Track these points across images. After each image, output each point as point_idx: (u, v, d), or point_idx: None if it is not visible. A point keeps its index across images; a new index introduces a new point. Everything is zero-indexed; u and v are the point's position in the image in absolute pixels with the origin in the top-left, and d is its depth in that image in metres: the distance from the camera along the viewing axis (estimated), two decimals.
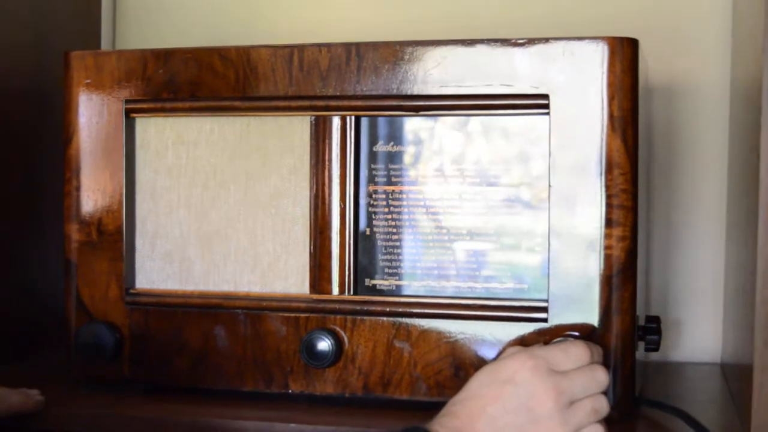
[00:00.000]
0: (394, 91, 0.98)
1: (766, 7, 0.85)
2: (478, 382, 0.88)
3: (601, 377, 0.88)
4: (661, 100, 1.28)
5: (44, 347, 1.23)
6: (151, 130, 1.05)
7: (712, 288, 1.28)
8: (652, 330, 1.04)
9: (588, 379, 0.87)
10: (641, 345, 1.04)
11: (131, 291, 1.05)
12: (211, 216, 1.04)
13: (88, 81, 1.05)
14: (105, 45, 1.39)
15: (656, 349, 1.04)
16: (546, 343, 0.94)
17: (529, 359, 0.87)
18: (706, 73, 1.27)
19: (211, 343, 1.03)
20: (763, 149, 0.86)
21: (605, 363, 0.93)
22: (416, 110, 0.98)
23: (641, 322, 1.04)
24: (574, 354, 0.89)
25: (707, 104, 1.27)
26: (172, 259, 1.05)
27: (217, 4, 1.41)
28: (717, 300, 1.27)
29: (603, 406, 0.88)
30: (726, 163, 1.26)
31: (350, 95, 0.99)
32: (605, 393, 0.89)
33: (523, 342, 0.96)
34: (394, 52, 0.98)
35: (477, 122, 0.98)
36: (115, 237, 1.05)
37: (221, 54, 1.02)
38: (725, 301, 1.24)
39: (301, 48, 1.00)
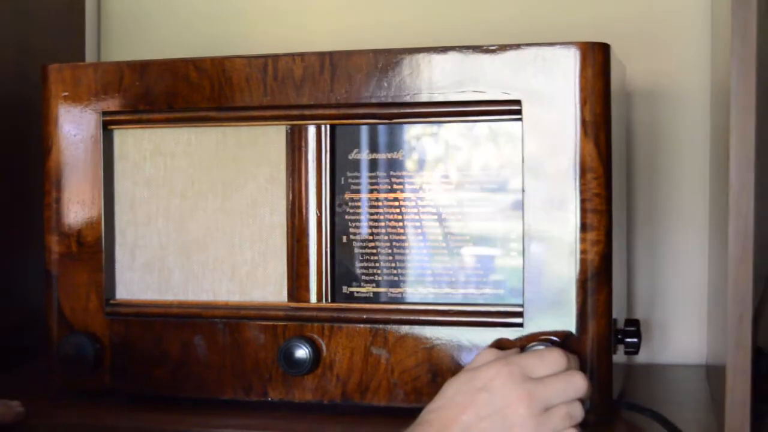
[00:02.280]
0: (368, 100, 0.99)
1: (732, 9, 0.85)
2: (452, 390, 0.88)
3: (578, 383, 0.88)
4: (643, 104, 1.29)
5: (33, 357, 1.23)
6: (129, 141, 1.06)
7: (696, 290, 1.28)
8: (631, 333, 1.03)
9: (564, 385, 0.87)
10: (621, 348, 1.04)
11: (111, 302, 1.06)
12: (189, 226, 1.05)
13: (66, 93, 1.05)
14: (90, 58, 1.40)
15: (636, 352, 1.04)
16: (522, 348, 0.94)
17: (504, 366, 0.87)
18: (687, 77, 1.27)
19: (191, 352, 1.03)
20: (733, 153, 0.87)
21: (582, 367, 0.94)
22: (390, 118, 0.99)
23: (621, 325, 1.05)
24: (550, 360, 0.89)
25: (688, 107, 1.27)
26: (151, 270, 1.06)
27: (204, 16, 1.41)
28: (702, 302, 1.27)
29: (577, 411, 0.88)
30: (707, 166, 1.26)
31: (324, 104, 0.99)
32: (584, 399, 0.89)
33: (500, 346, 0.96)
34: (368, 61, 0.98)
35: (451, 128, 0.99)
36: (94, 248, 1.05)
37: (196, 65, 1.02)
38: (709, 302, 1.24)
39: (275, 58, 1.00)
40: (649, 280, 1.30)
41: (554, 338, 0.95)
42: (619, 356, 1.06)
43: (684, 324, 1.29)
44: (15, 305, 1.24)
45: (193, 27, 1.42)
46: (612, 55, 0.96)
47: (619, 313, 1.07)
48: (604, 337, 0.95)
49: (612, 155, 0.95)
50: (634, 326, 1.04)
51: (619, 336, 1.03)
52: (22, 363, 1.23)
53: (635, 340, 1.03)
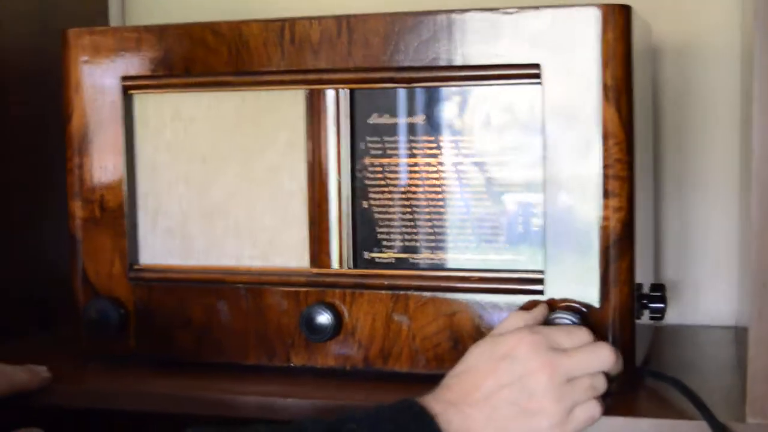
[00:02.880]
0: (386, 63, 0.97)
1: None
2: (475, 356, 0.88)
3: (604, 354, 0.87)
4: (673, 63, 1.26)
5: (60, 321, 1.24)
6: (150, 106, 1.05)
7: (728, 250, 1.25)
8: (656, 299, 1.02)
9: (588, 357, 0.87)
10: (646, 313, 1.03)
11: (135, 267, 1.06)
12: (210, 191, 1.05)
13: (86, 58, 1.05)
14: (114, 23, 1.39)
15: (661, 318, 1.03)
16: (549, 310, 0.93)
17: (528, 335, 0.86)
18: (717, 36, 1.24)
19: (214, 317, 1.04)
20: (756, 123, 0.84)
21: (604, 335, 0.93)
22: (408, 82, 0.97)
23: (646, 290, 1.03)
24: (577, 335, 0.88)
25: (720, 66, 1.24)
26: (173, 235, 1.06)
27: None
28: (733, 262, 1.25)
29: (601, 383, 0.87)
30: (738, 126, 1.23)
31: (342, 68, 0.98)
32: (611, 373, 0.88)
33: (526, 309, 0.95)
34: (385, 24, 0.97)
35: (471, 92, 0.97)
36: (117, 213, 1.06)
37: (213, 29, 1.01)
38: (740, 264, 1.22)
39: (292, 22, 0.99)
40: (680, 240, 1.28)
41: (576, 305, 0.94)
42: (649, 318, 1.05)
43: (715, 285, 1.27)
44: (43, 270, 1.25)
45: None
46: (634, 15, 0.94)
47: (645, 277, 1.06)
48: (626, 305, 0.94)
49: (635, 120, 0.93)
50: (659, 291, 1.03)
51: (644, 301, 1.02)
52: (53, 325, 1.24)
53: (660, 305, 1.02)
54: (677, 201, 1.28)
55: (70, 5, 1.31)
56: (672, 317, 1.28)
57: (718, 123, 1.25)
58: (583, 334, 0.89)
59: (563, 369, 0.85)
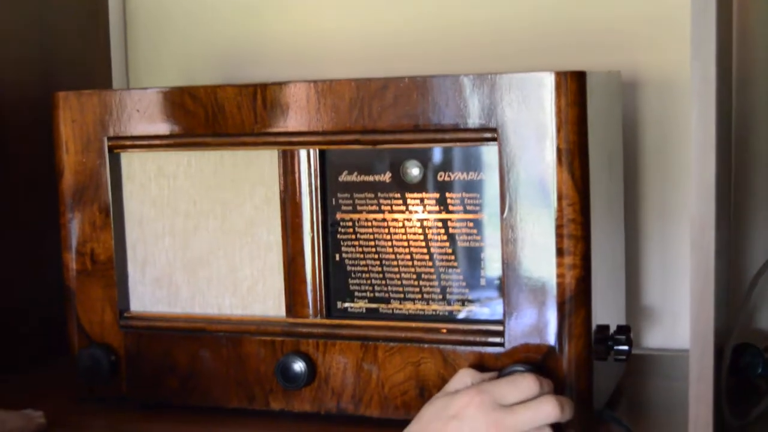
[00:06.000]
0: (352, 126, 1.02)
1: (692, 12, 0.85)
2: (427, 416, 0.92)
3: (548, 409, 0.91)
4: (655, 94, 1.29)
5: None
6: (135, 163, 1.11)
7: None
8: (621, 341, 1.06)
9: (533, 413, 0.90)
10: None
11: (125, 315, 1.12)
12: (193, 243, 1.10)
13: (74, 120, 1.11)
14: (116, 57, 1.45)
15: (626, 360, 1.06)
16: (500, 370, 0.98)
17: (476, 395, 0.91)
18: None
19: (198, 363, 1.09)
20: (694, 188, 0.88)
21: (562, 386, 0.97)
22: (373, 143, 1.02)
23: (613, 330, 1.07)
24: (522, 386, 0.92)
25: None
26: (161, 284, 1.12)
27: (219, 8, 1.45)
28: None
29: None
30: None
31: (311, 131, 1.03)
32: (557, 424, 0.92)
33: (481, 365, 1.00)
34: (350, 90, 1.01)
35: (433, 152, 1.01)
36: (106, 265, 1.11)
37: (191, 93, 1.06)
38: None
39: (263, 86, 1.04)
40: (662, 266, 1.31)
41: (534, 357, 0.98)
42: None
43: None
44: (52, 301, 1.30)
45: (214, 21, 1.46)
46: (591, 77, 0.97)
47: (615, 316, 1.10)
48: (582, 356, 0.98)
49: (590, 180, 0.97)
50: (624, 334, 1.06)
51: (610, 343, 1.06)
52: (51, 360, 1.30)
53: (624, 347, 1.06)
54: (660, 228, 1.31)
55: (69, 43, 1.38)
56: (655, 341, 1.32)
57: None
58: (529, 383, 0.92)
59: (509, 427, 0.89)
